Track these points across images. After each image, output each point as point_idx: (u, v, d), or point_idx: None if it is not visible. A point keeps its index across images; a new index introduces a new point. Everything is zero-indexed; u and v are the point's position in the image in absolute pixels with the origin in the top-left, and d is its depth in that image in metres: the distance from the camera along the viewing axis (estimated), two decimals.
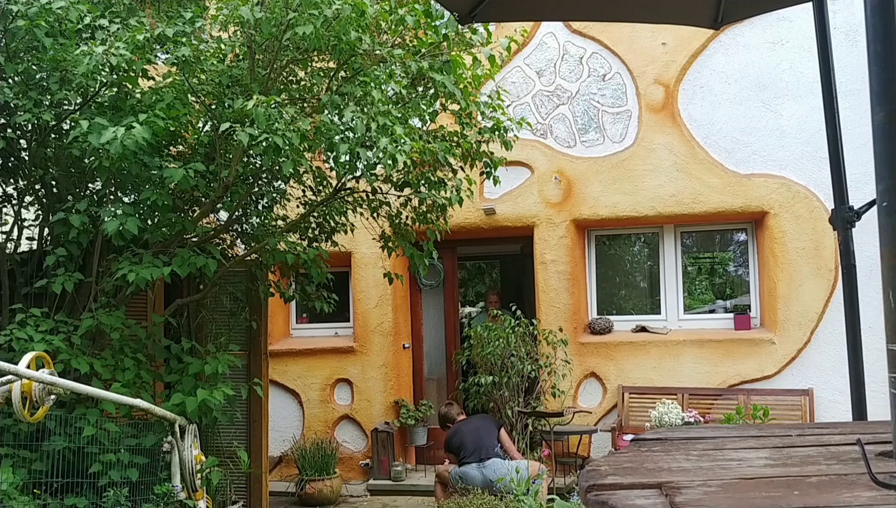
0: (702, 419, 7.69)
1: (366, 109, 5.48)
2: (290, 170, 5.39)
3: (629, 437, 7.69)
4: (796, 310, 8.11)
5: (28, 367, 4.56)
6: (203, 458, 5.94)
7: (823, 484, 1.55)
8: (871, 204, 3.27)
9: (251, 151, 5.61)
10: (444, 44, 5.92)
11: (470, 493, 6.45)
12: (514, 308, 8.54)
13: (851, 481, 1.55)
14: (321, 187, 7.02)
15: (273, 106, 5.12)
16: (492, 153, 6.72)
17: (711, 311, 9.08)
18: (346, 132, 5.58)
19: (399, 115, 5.64)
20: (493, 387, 8.06)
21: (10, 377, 4.49)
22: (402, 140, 5.34)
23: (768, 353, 8.19)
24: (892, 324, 1.71)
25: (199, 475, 5.81)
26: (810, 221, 8.03)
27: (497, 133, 6.56)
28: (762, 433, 2.26)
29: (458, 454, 6.99)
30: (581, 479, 1.76)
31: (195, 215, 6.39)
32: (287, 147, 5.10)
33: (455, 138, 6.50)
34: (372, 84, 5.48)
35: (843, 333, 3.80)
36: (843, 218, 3.69)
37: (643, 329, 8.74)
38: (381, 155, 5.28)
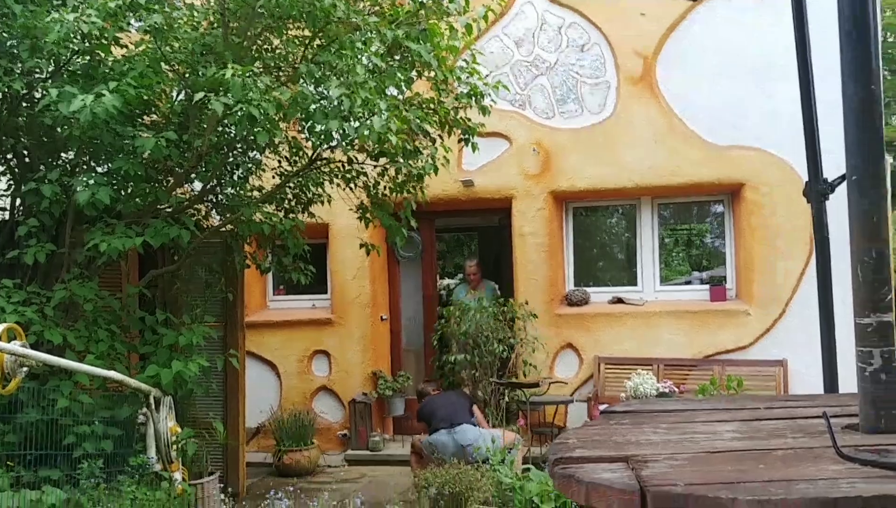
0: (676, 389, 7.76)
1: (342, 79, 5.41)
2: (266, 140, 5.33)
3: (605, 407, 7.75)
4: (772, 281, 8.17)
5: None
6: (178, 430, 5.92)
7: (789, 458, 1.55)
8: (843, 178, 3.27)
9: (225, 121, 5.55)
10: (422, 12, 5.85)
11: (445, 463, 6.49)
12: (495, 288, 8.57)
13: (817, 454, 1.56)
14: (297, 158, 6.95)
15: (248, 75, 5.05)
16: (469, 119, 6.68)
17: (688, 282, 9.14)
18: (322, 101, 5.52)
19: (375, 84, 5.58)
20: (467, 365, 8.06)
21: None
22: (391, 119, 5.30)
23: (744, 324, 8.25)
24: (861, 298, 1.72)
25: (174, 446, 5.79)
26: (787, 193, 8.04)
27: (474, 98, 6.52)
28: (732, 405, 2.27)
29: (430, 422, 7.02)
30: (549, 452, 1.77)
31: (169, 185, 6.31)
32: (262, 117, 5.05)
33: (431, 105, 6.45)
34: (349, 54, 5.41)
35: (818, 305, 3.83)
36: (817, 191, 3.72)
37: (619, 301, 8.77)
38: (366, 132, 5.24)
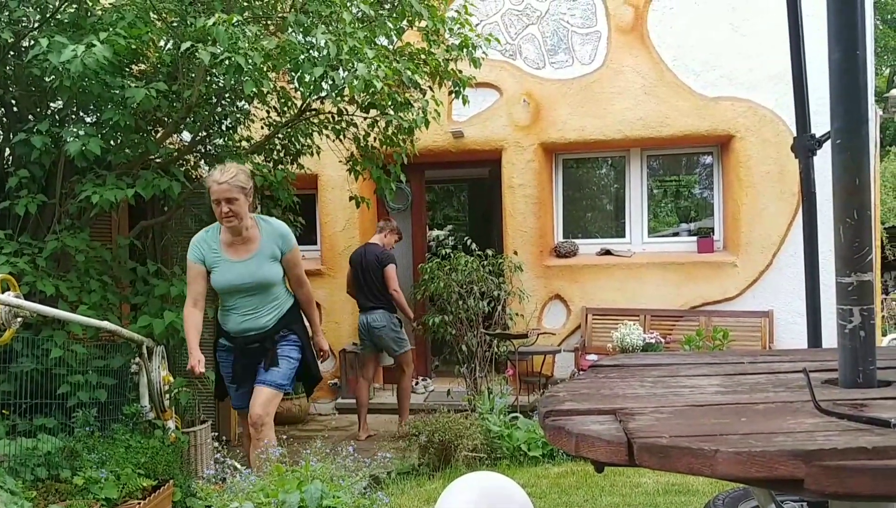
0: (663, 340, 7.87)
1: (331, 28, 5.39)
2: (253, 90, 5.31)
3: (592, 357, 7.86)
4: (759, 233, 8.25)
5: None
6: (171, 379, 5.97)
7: (770, 411, 1.61)
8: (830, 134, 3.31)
9: (214, 71, 5.51)
10: None
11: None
12: (468, 242, 8.48)
13: (796, 408, 1.62)
14: (286, 108, 6.92)
15: (235, 24, 5.01)
16: (460, 71, 6.65)
17: (675, 234, 9.20)
18: (311, 51, 5.48)
19: (365, 34, 5.55)
20: (445, 325, 7.97)
21: None
22: (378, 65, 5.28)
23: (730, 275, 8.34)
24: (842, 258, 1.77)
25: (167, 395, 5.85)
26: (776, 144, 8.09)
27: (465, 50, 6.49)
28: (716, 360, 2.33)
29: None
30: (540, 405, 1.82)
31: (158, 135, 6.29)
32: (250, 66, 5.03)
33: (422, 56, 6.42)
34: (338, 2, 5.37)
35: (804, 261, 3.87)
36: (805, 146, 3.74)
37: (608, 252, 8.84)
38: (354, 81, 5.21)
